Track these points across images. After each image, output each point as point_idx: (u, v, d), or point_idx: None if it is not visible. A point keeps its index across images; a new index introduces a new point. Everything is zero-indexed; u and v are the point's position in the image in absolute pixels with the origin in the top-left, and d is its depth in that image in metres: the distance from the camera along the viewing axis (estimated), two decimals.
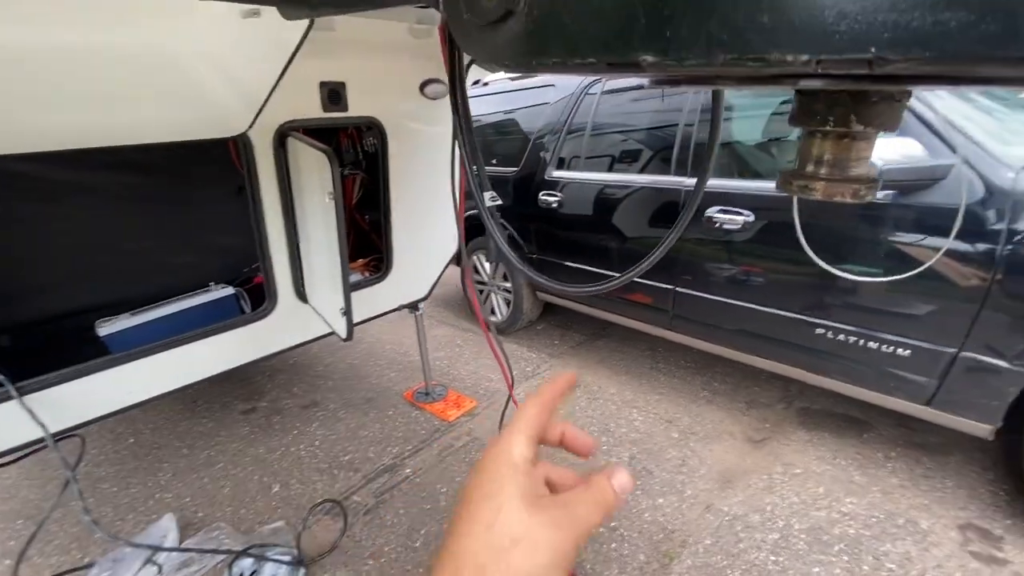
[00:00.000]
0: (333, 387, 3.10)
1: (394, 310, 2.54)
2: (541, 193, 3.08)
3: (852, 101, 0.35)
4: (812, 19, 0.20)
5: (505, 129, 3.72)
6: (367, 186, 2.59)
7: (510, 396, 0.92)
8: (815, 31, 0.21)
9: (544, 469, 0.36)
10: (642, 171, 2.73)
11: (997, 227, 1.63)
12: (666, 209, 2.51)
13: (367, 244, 2.65)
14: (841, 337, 2.01)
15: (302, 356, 3.45)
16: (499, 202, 0.82)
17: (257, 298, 2.23)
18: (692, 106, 2.45)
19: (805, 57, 0.22)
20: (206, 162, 2.25)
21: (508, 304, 3.66)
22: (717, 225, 2.27)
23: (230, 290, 2.27)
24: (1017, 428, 1.73)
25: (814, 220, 1.97)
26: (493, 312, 3.82)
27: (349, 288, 1.72)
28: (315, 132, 1.83)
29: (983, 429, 1.77)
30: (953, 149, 1.71)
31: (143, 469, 2.38)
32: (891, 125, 0.35)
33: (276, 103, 1.62)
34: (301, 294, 2.05)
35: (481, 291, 3.91)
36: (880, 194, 1.85)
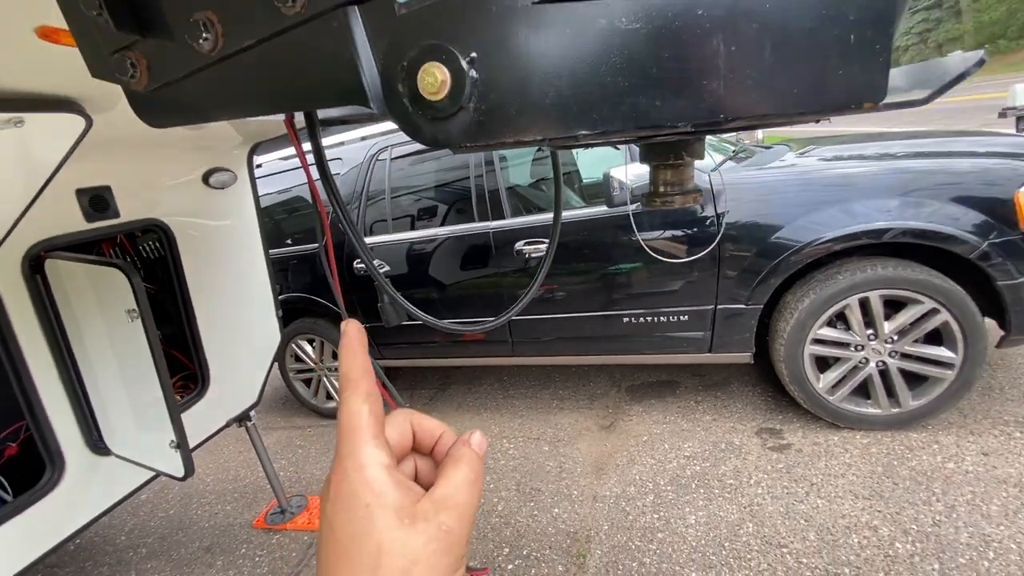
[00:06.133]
0: (151, 553, 2.46)
1: (223, 428, 2.18)
2: (355, 262, 3.04)
3: (684, 143, 0.54)
4: (692, 105, 0.36)
5: (293, 207, 3.58)
6: (151, 296, 2.20)
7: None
8: (697, 112, 0.36)
9: (403, 432, 0.33)
10: (448, 223, 2.96)
11: (709, 213, 2.28)
12: (481, 252, 2.76)
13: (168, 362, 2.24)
14: (641, 320, 2.51)
15: (90, 532, 2.65)
16: (387, 268, 0.88)
17: (18, 474, 1.69)
18: (477, 160, 2.79)
19: (686, 126, 0.37)
20: None
21: None
22: (527, 256, 2.61)
23: None
24: (763, 350, 2.41)
25: (599, 233, 2.45)
26: (329, 396, 3.55)
27: (179, 413, 1.46)
28: (75, 247, 1.53)
29: (745, 356, 2.41)
30: None
31: None
32: (701, 154, 0.56)
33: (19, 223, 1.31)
34: (99, 446, 1.63)
35: (309, 379, 3.60)
36: (633, 206, 2.40)
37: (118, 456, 1.64)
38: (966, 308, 2.01)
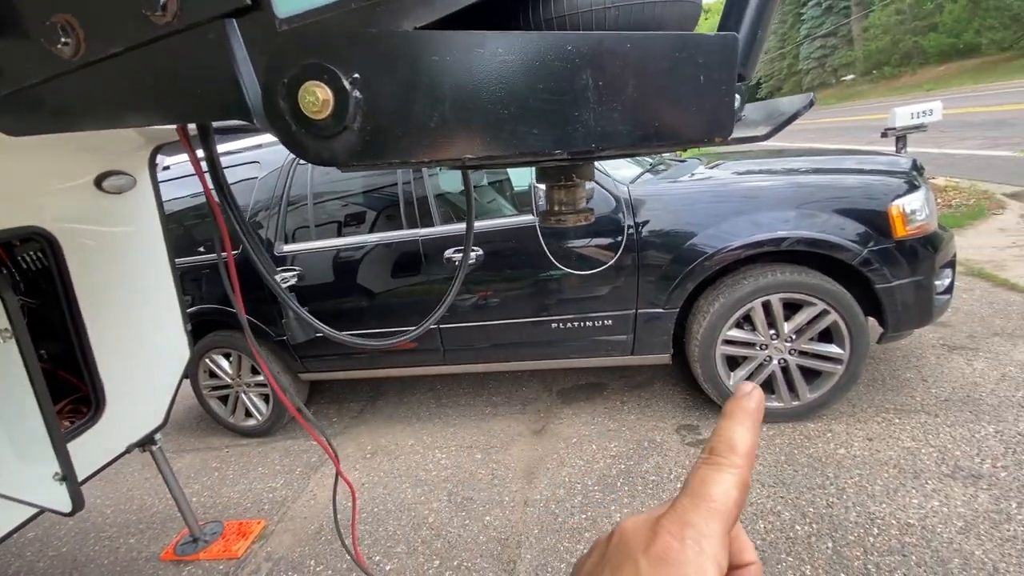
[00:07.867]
0: None
1: (123, 454, 1.99)
2: (276, 270, 2.89)
3: (574, 166, 0.57)
4: (567, 135, 0.38)
5: (205, 212, 3.35)
6: (34, 312, 1.97)
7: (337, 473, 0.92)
8: (571, 141, 0.39)
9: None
10: (377, 230, 2.89)
11: (628, 223, 2.39)
12: (410, 260, 2.72)
13: (56, 385, 2.01)
14: (568, 325, 2.58)
15: None
16: (293, 282, 0.86)
17: None
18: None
19: (563, 154, 0.39)
20: None
21: (267, 400, 3.26)
22: (456, 263, 2.60)
23: None
24: (681, 351, 2.55)
25: (528, 240, 2.50)
26: (248, 414, 3.34)
27: (64, 441, 1.32)
28: None
29: (665, 358, 2.55)
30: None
31: None
32: (591, 176, 0.59)
33: None
34: None
35: (226, 396, 3.37)
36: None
37: None
38: (852, 309, 2.24)
